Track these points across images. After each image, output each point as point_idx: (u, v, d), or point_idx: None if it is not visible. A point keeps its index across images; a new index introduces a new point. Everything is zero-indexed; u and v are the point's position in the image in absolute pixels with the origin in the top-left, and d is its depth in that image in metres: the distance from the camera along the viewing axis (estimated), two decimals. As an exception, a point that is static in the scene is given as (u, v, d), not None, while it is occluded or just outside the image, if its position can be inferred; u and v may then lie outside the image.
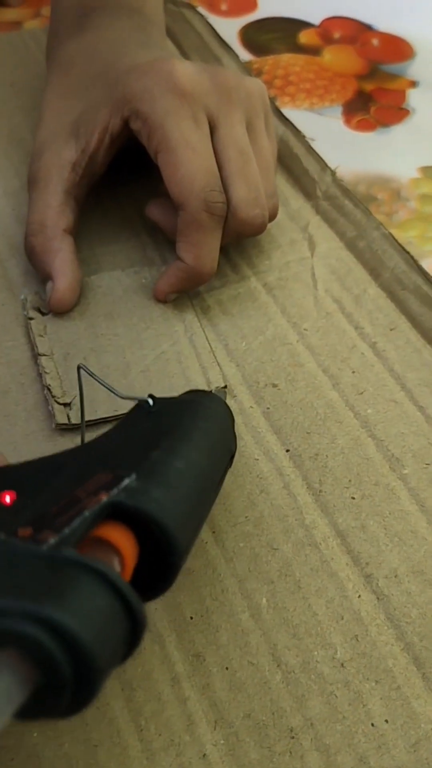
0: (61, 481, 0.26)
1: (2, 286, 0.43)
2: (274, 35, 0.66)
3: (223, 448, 0.32)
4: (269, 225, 0.44)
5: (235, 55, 0.61)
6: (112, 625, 0.20)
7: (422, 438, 0.38)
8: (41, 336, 0.40)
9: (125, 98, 0.41)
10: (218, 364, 0.39)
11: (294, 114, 0.57)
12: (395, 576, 0.33)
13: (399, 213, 0.51)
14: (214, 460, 0.30)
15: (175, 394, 0.35)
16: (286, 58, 0.63)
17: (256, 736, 0.29)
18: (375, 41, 0.66)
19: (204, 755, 0.28)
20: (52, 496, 0.25)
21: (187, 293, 0.43)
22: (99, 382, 0.33)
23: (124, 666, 0.29)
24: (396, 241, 0.46)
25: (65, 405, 0.37)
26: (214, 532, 0.34)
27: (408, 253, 0.46)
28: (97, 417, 0.37)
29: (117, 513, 0.24)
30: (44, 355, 0.39)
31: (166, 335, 0.41)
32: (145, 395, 0.32)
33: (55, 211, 0.42)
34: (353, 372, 0.40)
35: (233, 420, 0.34)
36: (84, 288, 0.42)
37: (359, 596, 0.32)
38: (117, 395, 0.33)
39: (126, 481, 0.24)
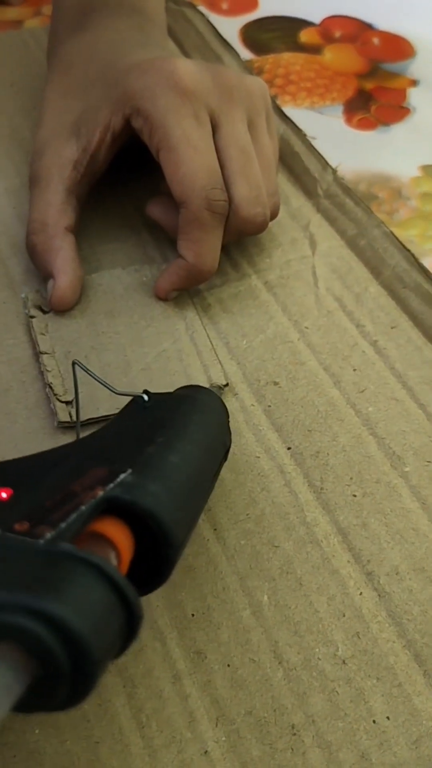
0: (57, 476, 0.26)
1: (3, 284, 0.43)
2: (274, 34, 0.66)
3: (218, 442, 0.32)
4: (270, 223, 0.44)
5: (236, 54, 0.61)
6: (109, 618, 0.20)
7: (423, 436, 0.38)
8: (42, 334, 0.40)
9: (127, 96, 0.41)
10: (219, 362, 0.39)
11: (295, 113, 0.57)
12: (396, 573, 0.33)
13: (400, 211, 0.51)
14: (209, 454, 0.30)
15: (176, 391, 0.35)
16: (287, 56, 0.63)
17: (257, 733, 0.29)
18: (375, 40, 0.66)
19: (205, 752, 0.28)
20: (49, 491, 0.25)
21: (187, 291, 0.43)
22: (94, 377, 0.33)
23: (125, 663, 0.30)
24: (397, 239, 0.46)
25: (67, 403, 0.37)
26: (215, 530, 0.34)
27: (409, 251, 0.46)
28: (99, 415, 0.37)
29: (113, 507, 0.24)
30: (46, 353, 0.39)
31: (167, 333, 0.41)
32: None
33: (56, 209, 0.42)
34: (354, 370, 0.40)
35: (228, 414, 0.34)
36: (85, 286, 0.42)
37: (360, 593, 0.32)
38: (112, 391, 0.33)
39: (122, 476, 0.25)
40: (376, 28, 0.67)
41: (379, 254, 0.46)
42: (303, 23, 0.67)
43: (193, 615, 0.31)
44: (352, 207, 0.49)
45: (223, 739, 0.28)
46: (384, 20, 0.68)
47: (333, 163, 0.51)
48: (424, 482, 0.36)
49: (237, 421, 0.38)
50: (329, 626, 0.31)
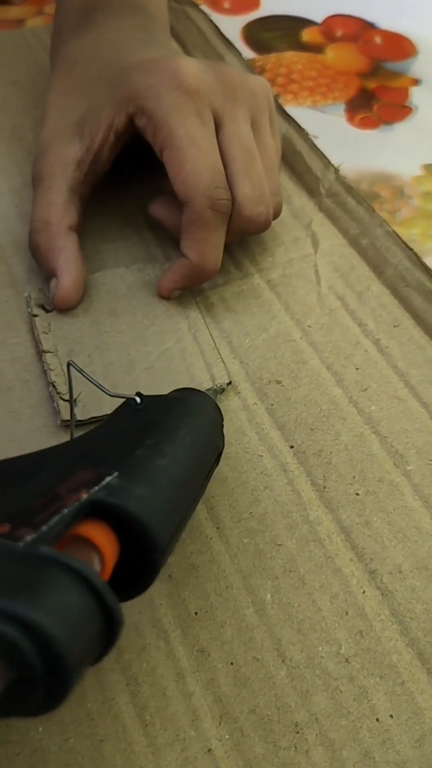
0: (42, 478, 0.26)
1: (6, 283, 0.43)
2: (276, 33, 0.66)
3: (210, 445, 0.31)
4: (273, 223, 0.44)
5: (238, 53, 0.61)
6: (87, 623, 0.20)
7: (426, 434, 0.38)
8: (45, 333, 0.40)
9: (130, 95, 0.41)
10: (222, 361, 0.40)
11: (297, 112, 0.57)
12: (399, 572, 0.33)
13: (402, 210, 0.51)
14: (200, 458, 0.30)
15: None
16: (289, 56, 0.63)
17: (261, 731, 0.29)
18: (377, 39, 0.66)
19: (209, 750, 0.28)
20: (33, 492, 0.24)
21: (190, 290, 0.43)
22: (88, 378, 0.33)
23: (129, 661, 0.30)
24: (399, 238, 0.47)
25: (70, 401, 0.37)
26: (218, 528, 0.34)
27: (411, 250, 0.46)
28: (103, 413, 0.37)
29: (98, 511, 0.23)
30: (49, 352, 0.39)
31: (170, 332, 0.41)
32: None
33: (59, 208, 0.42)
34: (357, 369, 0.40)
35: (222, 417, 0.34)
36: (88, 285, 0.43)
37: (364, 592, 0.32)
38: (105, 393, 0.33)
39: (108, 479, 0.24)
40: (378, 27, 0.67)
41: (382, 253, 0.46)
42: (305, 22, 0.67)
43: (196, 613, 0.31)
44: (354, 206, 0.49)
45: (227, 737, 0.29)
46: (386, 19, 0.68)
47: (335, 162, 0.51)
48: (426, 481, 0.36)
49: (240, 420, 0.38)
50: (332, 624, 0.31)
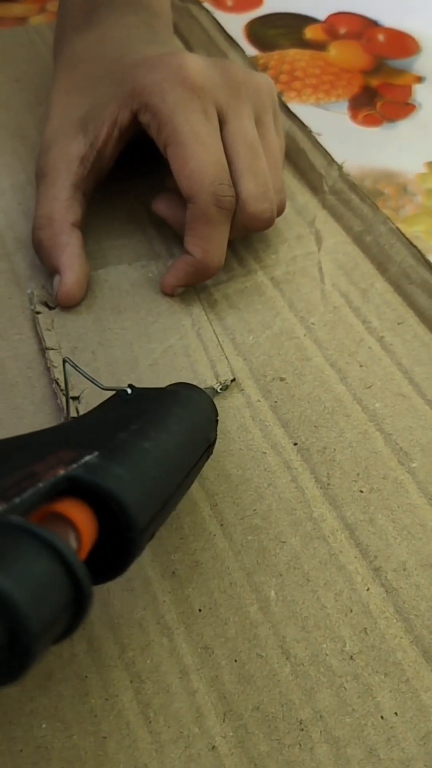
0: (22, 457, 0.25)
1: (9, 280, 0.43)
2: (279, 31, 0.65)
3: (199, 435, 0.31)
4: (276, 220, 0.44)
5: (241, 51, 0.61)
6: (54, 593, 0.20)
7: (430, 431, 0.37)
8: (49, 330, 0.40)
9: (135, 91, 0.41)
10: (226, 358, 0.39)
11: (300, 109, 0.57)
12: (404, 569, 0.33)
13: (406, 208, 0.50)
14: (187, 446, 0.30)
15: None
16: (292, 53, 0.63)
17: (265, 729, 0.29)
18: (381, 37, 0.66)
19: (213, 747, 0.28)
20: (10, 470, 0.24)
21: (194, 287, 0.43)
22: (82, 374, 0.33)
23: (132, 658, 0.30)
24: (403, 235, 0.46)
25: (73, 399, 0.37)
26: (222, 525, 0.34)
27: (415, 247, 0.46)
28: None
29: (77, 490, 0.23)
30: (52, 348, 0.39)
31: (173, 329, 0.41)
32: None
33: (63, 204, 0.42)
34: (361, 366, 0.40)
35: (216, 412, 0.34)
36: (91, 282, 0.42)
37: (368, 589, 0.32)
38: (99, 387, 0.33)
39: (87, 458, 0.24)
40: (381, 25, 0.67)
41: (385, 250, 0.46)
42: (308, 20, 0.67)
43: (200, 610, 0.31)
44: (357, 203, 0.49)
45: (231, 734, 0.28)
46: (389, 17, 0.67)
47: (338, 159, 0.51)
48: (431, 478, 0.36)
49: (243, 417, 0.38)
50: (337, 622, 0.31)
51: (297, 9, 0.68)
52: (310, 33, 0.66)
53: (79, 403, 0.37)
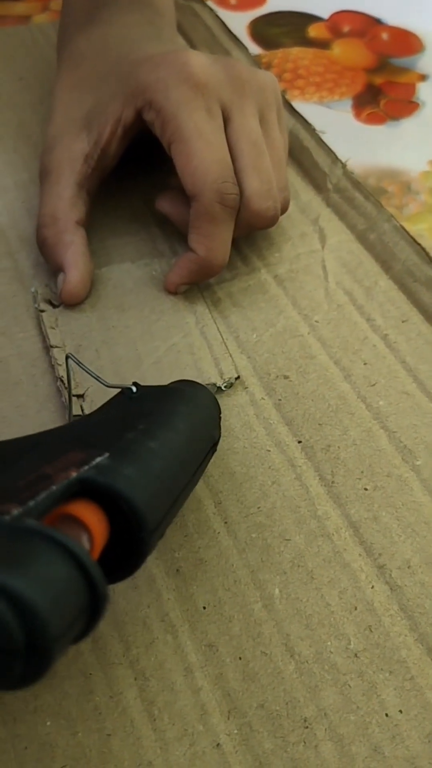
0: (32, 459, 0.26)
1: (13, 278, 0.43)
2: (283, 29, 0.65)
3: (204, 434, 0.31)
4: (280, 218, 0.44)
5: (245, 49, 0.60)
6: (70, 595, 0.20)
7: (434, 430, 0.37)
8: (53, 328, 0.40)
9: (139, 89, 0.41)
10: (230, 356, 0.39)
11: (304, 107, 0.57)
12: (408, 567, 0.33)
13: (409, 206, 0.50)
14: (193, 445, 0.30)
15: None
16: (296, 51, 0.63)
17: (269, 726, 0.29)
18: (384, 35, 0.66)
19: (218, 745, 0.28)
20: (21, 472, 0.24)
21: (197, 285, 0.43)
22: (86, 370, 0.34)
23: (137, 656, 0.30)
24: (407, 233, 0.46)
25: (78, 396, 0.37)
26: (226, 523, 0.34)
27: (419, 245, 0.46)
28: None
29: (89, 492, 0.23)
30: (56, 347, 0.39)
31: (177, 327, 0.41)
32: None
33: (67, 203, 0.42)
34: (365, 364, 0.40)
35: (219, 410, 0.34)
36: (94, 280, 0.42)
37: (372, 587, 0.32)
38: (103, 384, 0.33)
39: (98, 459, 0.24)
40: (384, 23, 0.67)
41: (389, 248, 0.46)
42: (311, 18, 0.67)
43: (204, 608, 0.31)
44: (361, 201, 0.49)
45: (235, 732, 0.28)
46: (393, 15, 0.67)
47: (342, 157, 0.51)
48: (435, 476, 0.36)
49: (247, 415, 0.38)
50: (341, 619, 0.31)
51: (300, 7, 0.68)
52: (313, 31, 0.66)
53: (83, 400, 0.37)
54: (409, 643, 0.31)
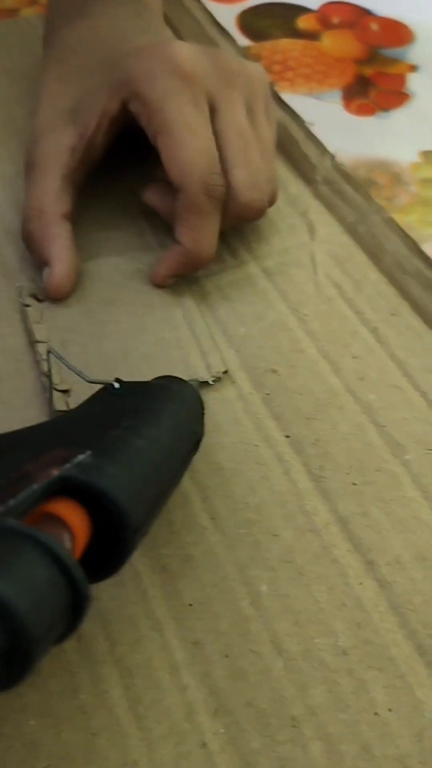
0: (14, 457, 0.25)
1: (-2, 272, 0.43)
2: (272, 20, 0.65)
3: (188, 431, 0.31)
4: (268, 210, 0.43)
5: (233, 41, 0.60)
6: (52, 596, 0.20)
7: (425, 424, 0.37)
8: (38, 323, 0.40)
9: (125, 80, 0.40)
10: (218, 350, 0.39)
11: (293, 99, 0.56)
12: (398, 563, 0.32)
13: (399, 197, 0.50)
14: (177, 442, 0.29)
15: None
16: (285, 43, 0.63)
17: (257, 725, 0.28)
18: (374, 26, 0.65)
19: (204, 744, 0.28)
20: (3, 470, 0.24)
21: (185, 278, 0.42)
22: (67, 365, 0.34)
23: (122, 654, 0.29)
24: (397, 225, 0.46)
25: (63, 392, 0.37)
26: (213, 519, 0.33)
27: (409, 237, 0.45)
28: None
29: (71, 490, 0.23)
30: (41, 342, 0.39)
31: (165, 321, 0.40)
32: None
33: (53, 196, 0.41)
34: (354, 357, 0.40)
35: (203, 406, 0.33)
36: (81, 274, 0.42)
37: (361, 583, 0.32)
38: (84, 379, 0.32)
39: (80, 457, 0.24)
40: (374, 14, 0.66)
41: (379, 240, 0.45)
42: (301, 9, 0.66)
43: (191, 605, 0.31)
44: (351, 193, 0.48)
45: (222, 731, 0.28)
46: (382, 6, 0.67)
47: (331, 149, 0.51)
48: (425, 470, 0.35)
49: (235, 410, 0.37)
50: (330, 616, 0.31)
51: (290, -1, 0.67)
52: (302, 23, 0.65)
53: (69, 396, 0.37)
54: (399, 640, 0.30)
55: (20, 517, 0.21)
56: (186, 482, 0.34)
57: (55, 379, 0.37)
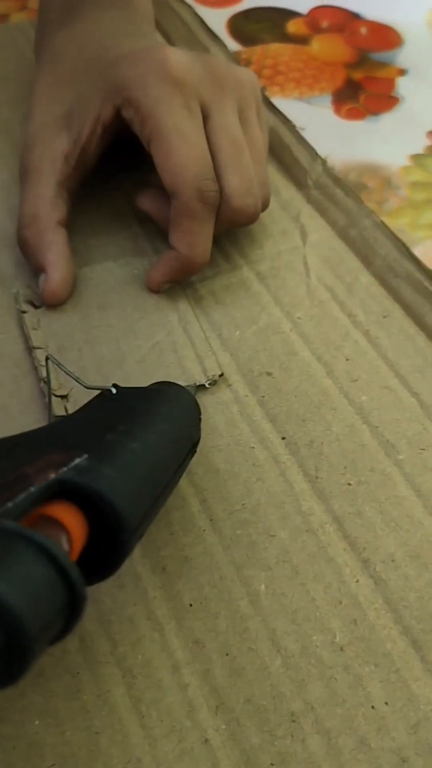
0: (11, 460, 0.26)
1: (-5, 278, 0.43)
2: (262, 25, 0.65)
3: (184, 434, 0.32)
4: (261, 215, 0.44)
5: (224, 46, 0.60)
6: (49, 596, 0.20)
7: (416, 424, 0.38)
8: (35, 329, 0.40)
9: (117, 86, 0.41)
10: (213, 353, 0.39)
11: (283, 104, 0.57)
12: (392, 561, 0.33)
13: (390, 201, 0.51)
14: (173, 445, 0.30)
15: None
16: (275, 47, 0.63)
17: (257, 721, 0.29)
18: (363, 30, 0.66)
19: (206, 740, 0.28)
20: (1, 473, 0.24)
21: (179, 283, 0.43)
22: (66, 372, 0.34)
23: (124, 654, 0.30)
24: (387, 228, 0.47)
25: (62, 397, 0.37)
26: (211, 520, 0.34)
27: (400, 240, 0.46)
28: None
29: (68, 493, 0.24)
30: (39, 348, 0.39)
31: (160, 325, 0.41)
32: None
33: (47, 203, 0.42)
34: (347, 359, 0.40)
35: (199, 410, 0.34)
36: (76, 280, 0.42)
37: (357, 581, 0.32)
38: (82, 385, 0.33)
39: (77, 460, 0.24)
40: (363, 18, 0.67)
41: (370, 244, 0.46)
42: (290, 14, 0.67)
43: (191, 605, 0.31)
44: (342, 197, 0.49)
45: (223, 727, 0.29)
46: (371, 10, 0.67)
47: (322, 153, 0.51)
48: (417, 470, 0.36)
49: (231, 412, 0.38)
50: (326, 614, 0.32)
51: (279, 3, 0.68)
52: (292, 27, 0.66)
53: (67, 401, 0.37)
54: (394, 636, 0.31)
55: (18, 519, 0.22)
56: (184, 484, 0.35)
57: (53, 384, 0.37)
